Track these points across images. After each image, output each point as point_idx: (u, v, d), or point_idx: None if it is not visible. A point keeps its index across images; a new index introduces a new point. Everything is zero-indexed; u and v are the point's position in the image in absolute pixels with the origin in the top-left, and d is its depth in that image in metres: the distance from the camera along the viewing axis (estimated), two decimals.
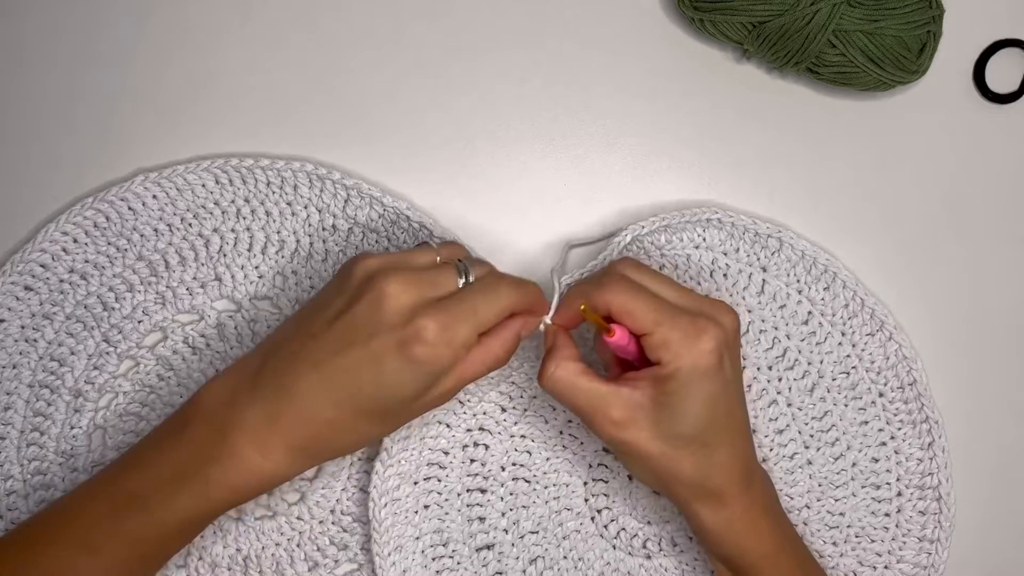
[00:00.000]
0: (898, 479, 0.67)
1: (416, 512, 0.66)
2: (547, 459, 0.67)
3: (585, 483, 0.67)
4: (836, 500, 0.67)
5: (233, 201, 0.68)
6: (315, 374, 0.56)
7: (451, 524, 0.66)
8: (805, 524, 0.67)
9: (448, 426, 0.66)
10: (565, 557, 0.67)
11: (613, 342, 0.57)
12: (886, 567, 0.67)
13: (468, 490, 0.66)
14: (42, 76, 0.69)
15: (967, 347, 0.69)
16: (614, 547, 0.67)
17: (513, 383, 0.66)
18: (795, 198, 0.69)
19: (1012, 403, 0.69)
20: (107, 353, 0.67)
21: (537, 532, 0.67)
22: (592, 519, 0.67)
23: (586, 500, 0.67)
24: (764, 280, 0.67)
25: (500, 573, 0.66)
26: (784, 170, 0.69)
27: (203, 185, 0.68)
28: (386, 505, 0.65)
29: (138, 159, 0.69)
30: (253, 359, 0.58)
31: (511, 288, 0.58)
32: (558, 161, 0.69)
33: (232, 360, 0.67)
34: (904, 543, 0.67)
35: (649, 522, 0.67)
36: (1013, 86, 0.69)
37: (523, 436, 0.67)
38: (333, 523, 0.67)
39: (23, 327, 0.67)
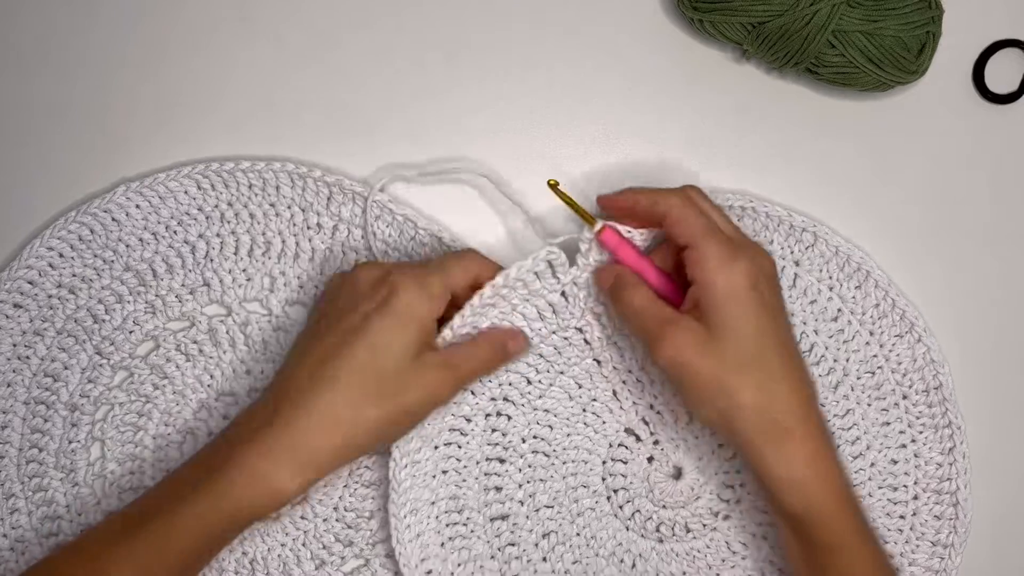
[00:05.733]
0: (916, 482, 0.67)
1: (434, 476, 0.66)
2: (568, 435, 0.67)
3: (604, 462, 0.67)
4: None
5: (216, 206, 0.68)
6: (328, 382, 0.59)
7: (467, 491, 0.67)
8: None
9: (473, 393, 0.66)
10: (578, 534, 0.67)
11: (604, 239, 0.62)
12: (898, 569, 0.67)
13: (487, 459, 0.67)
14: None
15: (964, 346, 0.69)
16: (627, 528, 0.67)
17: (541, 355, 0.67)
18: (794, 198, 0.69)
19: None
20: (100, 365, 0.67)
21: (552, 507, 0.67)
22: (608, 498, 0.67)
23: (603, 479, 0.67)
24: (796, 274, 0.68)
25: (513, 544, 0.66)
26: (784, 170, 0.69)
27: (185, 192, 0.68)
28: (406, 466, 0.65)
29: (120, 169, 0.69)
30: (268, 396, 0.61)
31: (476, 254, 0.64)
32: (558, 160, 0.69)
33: (226, 365, 0.68)
34: (918, 546, 0.67)
35: (664, 506, 0.67)
36: (1013, 86, 0.69)
37: (546, 410, 0.67)
38: (337, 520, 0.67)
39: (15, 345, 0.67)
